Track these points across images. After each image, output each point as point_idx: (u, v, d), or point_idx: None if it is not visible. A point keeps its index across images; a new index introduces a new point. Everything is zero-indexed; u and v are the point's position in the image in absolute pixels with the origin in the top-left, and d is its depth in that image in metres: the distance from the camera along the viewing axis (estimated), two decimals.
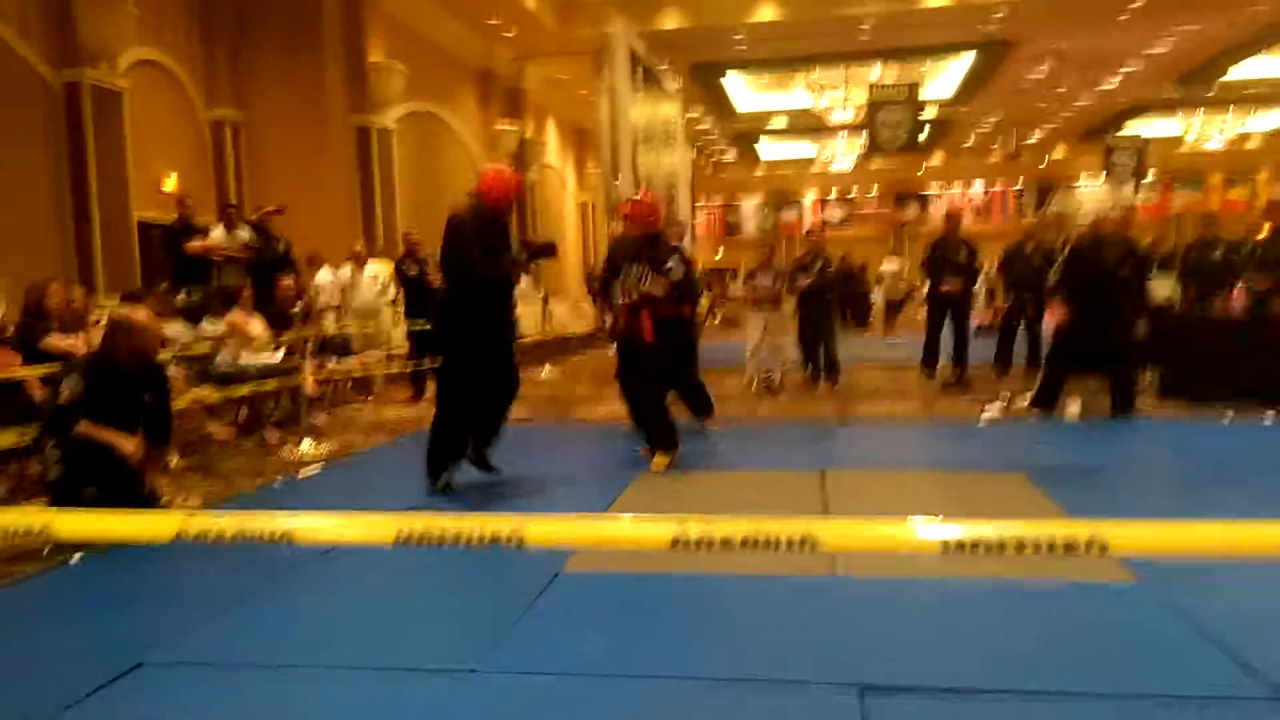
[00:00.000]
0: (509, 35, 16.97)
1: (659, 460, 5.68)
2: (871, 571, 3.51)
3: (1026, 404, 7.46)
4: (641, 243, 5.95)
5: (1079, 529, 1.81)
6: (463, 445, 5.15)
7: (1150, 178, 25.74)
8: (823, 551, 1.79)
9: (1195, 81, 23.29)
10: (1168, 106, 26.40)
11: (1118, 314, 7.08)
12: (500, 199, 5.13)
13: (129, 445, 4.40)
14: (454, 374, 5.09)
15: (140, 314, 4.78)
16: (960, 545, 1.93)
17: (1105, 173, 18.94)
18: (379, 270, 10.27)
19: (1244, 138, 30.33)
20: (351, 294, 10.04)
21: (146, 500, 4.49)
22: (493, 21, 16.13)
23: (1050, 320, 7.59)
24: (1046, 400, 7.31)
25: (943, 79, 23.08)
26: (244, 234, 8.62)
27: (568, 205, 23.24)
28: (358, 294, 10.03)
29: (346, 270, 10.09)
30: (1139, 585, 3.33)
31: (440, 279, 5.29)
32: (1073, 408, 7.31)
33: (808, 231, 10.63)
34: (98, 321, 6.76)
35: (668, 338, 5.86)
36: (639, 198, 6.45)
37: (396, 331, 10.45)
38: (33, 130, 9.21)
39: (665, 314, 5.84)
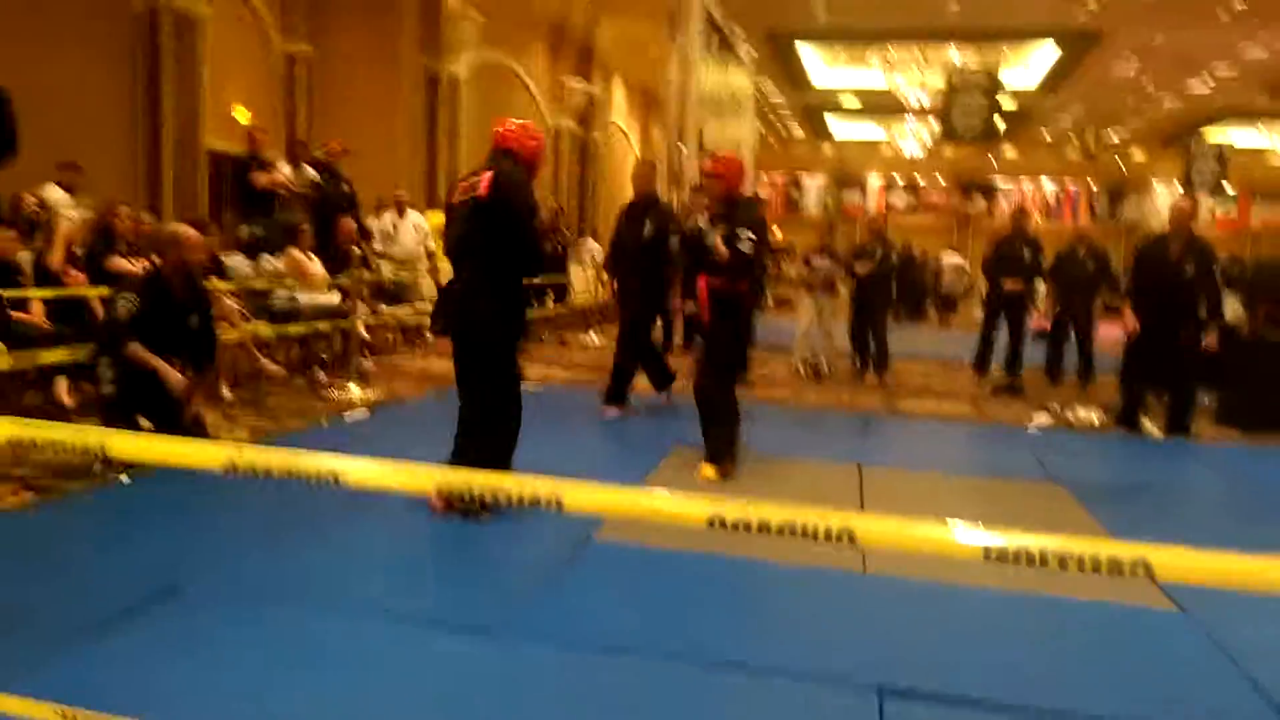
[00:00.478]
0: None
1: (708, 470, 4.97)
2: (903, 572, 3.47)
3: (1103, 421, 7.27)
4: (720, 207, 5.11)
5: (1124, 550, 1.76)
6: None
7: (1231, 190, 24.93)
8: (860, 547, 1.77)
9: None
10: (1256, 116, 25.43)
11: (1185, 317, 6.78)
12: (536, 160, 4.19)
13: (175, 377, 4.51)
14: (506, 372, 4.16)
15: (186, 228, 4.90)
16: (1002, 554, 1.89)
17: (1184, 179, 18.43)
18: (420, 219, 10.27)
19: None
20: (392, 242, 10.03)
21: (191, 428, 4.59)
22: None
23: (1121, 328, 7.25)
24: (1129, 419, 7.09)
25: (1023, 68, 22.45)
26: (310, 172, 8.71)
27: (630, 166, 23.15)
28: (398, 241, 10.04)
29: (389, 217, 10.09)
30: (1179, 614, 3.26)
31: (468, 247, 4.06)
32: (1151, 426, 7.08)
33: (871, 218, 10.42)
34: None
35: (722, 317, 5.09)
36: (721, 157, 5.72)
37: (426, 283, 10.38)
38: (112, 54, 9.34)
39: (720, 291, 5.03)
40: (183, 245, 4.69)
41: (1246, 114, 25.04)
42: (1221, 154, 18.26)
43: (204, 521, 3.83)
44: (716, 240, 4.90)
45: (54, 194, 6.59)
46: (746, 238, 4.86)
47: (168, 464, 2.59)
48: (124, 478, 4.13)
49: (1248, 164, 28.44)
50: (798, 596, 3.37)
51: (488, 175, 3.95)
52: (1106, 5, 16.31)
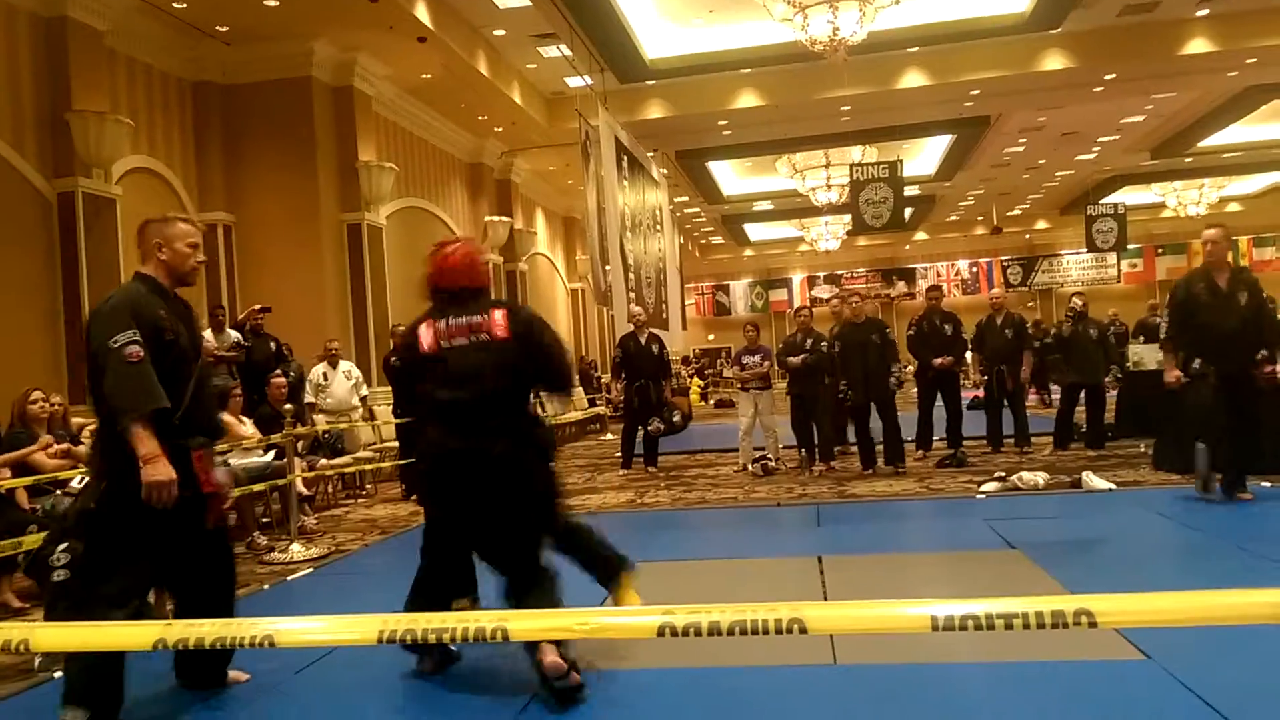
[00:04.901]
0: (498, 130, 17.38)
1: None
2: (877, 659, 3.43)
3: (1048, 482, 7.32)
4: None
5: (1066, 603, 1.79)
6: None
7: (1133, 246, 26.15)
8: (812, 635, 1.75)
9: (1171, 151, 23.80)
10: (1147, 176, 26.93)
11: (1250, 353, 6.10)
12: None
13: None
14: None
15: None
16: (949, 623, 1.90)
17: (1087, 241, 19.32)
18: (352, 367, 10.29)
19: (1224, 202, 30.90)
20: (324, 393, 9.92)
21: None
22: (482, 118, 16.53)
23: (1168, 377, 6.41)
24: (1237, 483, 6.34)
25: (924, 156, 23.59)
26: (233, 334, 8.67)
27: (559, 292, 23.48)
28: (330, 393, 9.94)
29: (320, 368, 10.01)
30: (1147, 662, 3.26)
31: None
32: (1097, 480, 7.16)
33: (796, 310, 10.67)
34: (83, 429, 6.73)
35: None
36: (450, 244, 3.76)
37: (367, 430, 10.49)
38: (25, 239, 9.32)
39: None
40: None
41: (1136, 177, 26.51)
42: (1117, 213, 19.22)
43: (149, 706, 3.62)
44: None
45: None
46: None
47: (96, 649, 2.47)
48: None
49: (1145, 220, 30.01)
50: (770, 699, 3.29)
51: (500, 313, 3.55)
52: (988, 90, 17.31)
